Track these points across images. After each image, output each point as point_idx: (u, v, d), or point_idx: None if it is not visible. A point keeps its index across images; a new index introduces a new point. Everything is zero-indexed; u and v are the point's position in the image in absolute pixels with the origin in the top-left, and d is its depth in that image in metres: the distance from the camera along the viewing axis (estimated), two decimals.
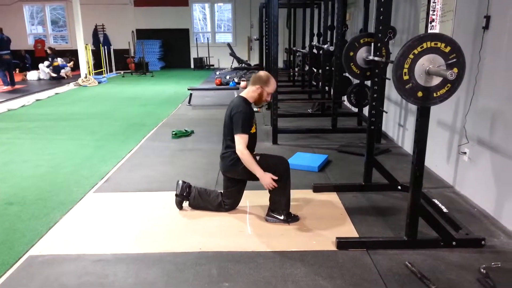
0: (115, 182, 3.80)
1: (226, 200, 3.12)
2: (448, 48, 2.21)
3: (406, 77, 2.24)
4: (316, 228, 2.88)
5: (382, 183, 3.59)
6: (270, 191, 2.96)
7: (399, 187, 3.52)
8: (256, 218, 3.04)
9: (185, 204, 3.18)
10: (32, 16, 17.21)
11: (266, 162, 2.92)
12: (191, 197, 3.13)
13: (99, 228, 2.90)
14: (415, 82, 2.25)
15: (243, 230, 2.86)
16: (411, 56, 2.21)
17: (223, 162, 3.02)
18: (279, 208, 2.94)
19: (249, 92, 2.99)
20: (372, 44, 3.31)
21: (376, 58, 3.21)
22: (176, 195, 3.13)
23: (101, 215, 3.12)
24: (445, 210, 3.06)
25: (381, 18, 3.21)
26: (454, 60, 2.21)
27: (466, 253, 2.55)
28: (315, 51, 7.94)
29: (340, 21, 5.03)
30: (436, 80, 2.26)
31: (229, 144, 2.96)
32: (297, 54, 10.78)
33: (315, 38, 8.00)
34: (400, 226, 2.89)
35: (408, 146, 4.76)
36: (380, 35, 3.26)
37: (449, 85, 2.27)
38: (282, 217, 2.94)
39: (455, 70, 2.20)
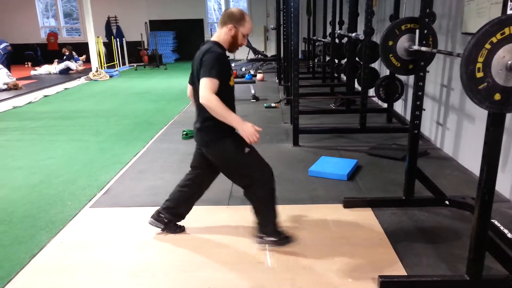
0: (114, 194, 3.33)
1: (189, 177, 2.57)
2: None
3: (480, 74, 1.67)
4: (351, 259, 2.34)
5: (426, 197, 3.03)
6: (253, 210, 2.43)
7: (447, 202, 2.95)
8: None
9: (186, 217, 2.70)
10: (47, 9, 16.94)
11: (252, 161, 2.34)
12: (169, 216, 2.62)
13: (89, 258, 2.42)
14: (492, 81, 1.68)
15: (261, 262, 2.35)
16: (487, 46, 1.64)
17: (200, 135, 2.36)
18: (268, 232, 2.44)
19: (221, 34, 2.29)
20: (417, 31, 2.73)
21: (423, 48, 2.63)
22: (163, 229, 2.65)
23: (94, 238, 2.65)
24: (509, 235, 2.49)
25: None
26: None
27: None
28: (336, 40, 7.33)
29: (370, 6, 4.42)
30: None
31: (207, 114, 2.20)
32: (317, 44, 10.15)
33: (337, 26, 7.40)
34: (455, 257, 2.34)
35: (448, 148, 4.15)
36: (426, 19, 2.68)
37: None
38: (273, 239, 2.44)
39: None
